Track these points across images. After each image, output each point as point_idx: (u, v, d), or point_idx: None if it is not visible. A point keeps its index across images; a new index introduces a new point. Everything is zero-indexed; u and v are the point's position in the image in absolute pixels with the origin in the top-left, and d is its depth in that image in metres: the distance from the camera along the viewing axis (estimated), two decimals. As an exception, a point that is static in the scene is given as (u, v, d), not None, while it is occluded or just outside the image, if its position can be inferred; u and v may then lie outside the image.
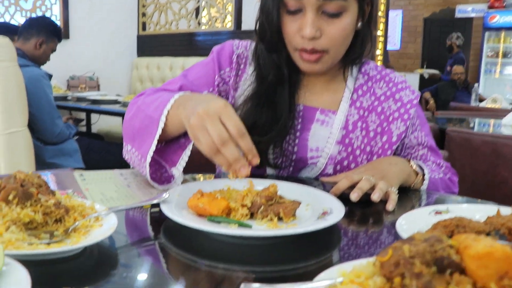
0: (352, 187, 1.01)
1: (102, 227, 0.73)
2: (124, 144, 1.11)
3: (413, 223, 0.77)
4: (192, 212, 0.83)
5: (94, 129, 4.94)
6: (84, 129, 4.73)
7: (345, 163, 1.22)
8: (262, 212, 0.82)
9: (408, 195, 1.13)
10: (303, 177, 1.27)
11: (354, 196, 0.98)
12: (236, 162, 0.80)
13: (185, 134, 1.04)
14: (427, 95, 6.79)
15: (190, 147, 1.01)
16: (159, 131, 0.98)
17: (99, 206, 0.79)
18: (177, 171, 1.01)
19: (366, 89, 1.24)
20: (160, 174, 1.05)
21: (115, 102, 4.24)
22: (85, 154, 3.37)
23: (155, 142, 0.97)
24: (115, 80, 5.58)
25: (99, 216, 0.76)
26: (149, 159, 0.98)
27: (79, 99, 4.34)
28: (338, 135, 1.21)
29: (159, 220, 0.86)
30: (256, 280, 0.61)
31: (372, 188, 1.00)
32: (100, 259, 0.67)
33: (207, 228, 0.71)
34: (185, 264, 0.68)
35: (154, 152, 1.02)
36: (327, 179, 1.12)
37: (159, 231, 0.79)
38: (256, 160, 0.81)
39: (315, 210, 0.86)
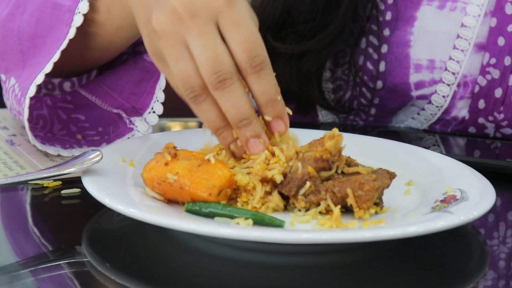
0: None
1: None
2: None
3: None
4: (154, 194, 0.56)
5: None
6: None
7: (498, 93, 0.88)
8: (309, 194, 0.53)
9: None
10: (400, 126, 0.95)
11: None
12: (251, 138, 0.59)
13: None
14: None
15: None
16: (72, 33, 0.69)
17: None
18: (152, 118, 0.76)
19: None
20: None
21: None
22: None
23: (59, 51, 0.70)
24: None
25: None
26: (32, 91, 0.69)
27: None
28: (480, 31, 0.85)
29: (80, 212, 0.65)
30: None
31: None
32: None
33: (188, 228, 0.49)
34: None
35: (83, 88, 0.79)
36: None
37: (80, 236, 0.57)
38: (283, 128, 0.59)
39: (426, 193, 0.60)
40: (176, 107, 0.91)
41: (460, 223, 0.48)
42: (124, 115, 0.76)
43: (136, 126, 0.75)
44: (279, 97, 0.57)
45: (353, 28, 0.83)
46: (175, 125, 0.99)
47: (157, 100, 0.76)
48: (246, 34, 0.56)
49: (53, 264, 0.51)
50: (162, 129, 0.93)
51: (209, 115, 0.57)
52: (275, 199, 0.53)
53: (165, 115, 0.85)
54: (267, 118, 0.56)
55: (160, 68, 0.60)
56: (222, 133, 0.56)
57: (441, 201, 0.55)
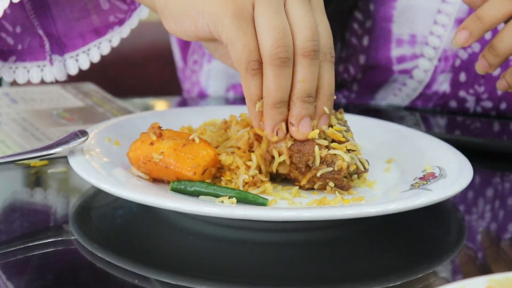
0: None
1: None
2: None
3: None
4: (139, 173, 0.56)
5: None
6: None
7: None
8: (290, 168, 0.54)
9: None
10: (382, 104, 0.96)
11: (456, 39, 0.67)
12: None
13: None
14: None
15: None
16: None
17: None
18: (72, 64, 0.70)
19: None
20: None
21: None
22: None
23: None
24: None
25: None
26: None
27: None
28: (461, 6, 0.83)
29: (66, 191, 0.66)
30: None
31: None
32: None
33: (173, 206, 0.49)
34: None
35: None
36: None
37: (67, 216, 0.59)
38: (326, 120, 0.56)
39: (406, 171, 0.62)
40: (160, 85, 0.93)
41: (438, 200, 0.49)
42: (47, 45, 0.70)
43: (48, 64, 0.69)
44: (334, 97, 0.56)
45: (344, 6, 0.84)
46: (159, 103, 0.98)
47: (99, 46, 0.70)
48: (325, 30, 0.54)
49: (41, 242, 0.51)
50: (146, 108, 0.92)
51: (285, 82, 0.53)
52: (256, 177, 0.53)
53: (149, 93, 0.85)
54: (326, 109, 0.54)
55: (235, 28, 0.53)
56: (281, 108, 0.53)
57: (420, 178, 0.55)
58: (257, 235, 0.51)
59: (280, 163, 0.53)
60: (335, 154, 0.52)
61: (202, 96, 0.98)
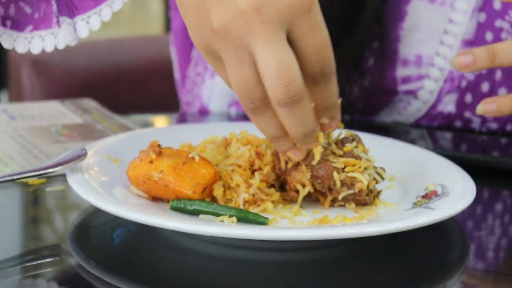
0: None
1: None
2: None
3: None
4: (138, 192, 0.56)
5: None
6: None
7: (485, 87, 0.87)
8: (293, 182, 0.55)
9: None
10: (387, 121, 0.93)
11: (484, 108, 0.66)
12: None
13: None
14: None
15: None
16: None
17: None
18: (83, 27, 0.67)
19: None
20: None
21: None
22: None
23: None
24: None
25: None
26: None
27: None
28: (468, 27, 0.82)
29: (65, 209, 0.65)
30: None
31: None
32: None
33: (173, 226, 0.49)
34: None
35: None
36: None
37: (65, 235, 0.57)
38: (335, 127, 0.58)
39: (408, 188, 0.61)
40: (159, 101, 0.93)
41: (440, 219, 0.49)
42: (54, 6, 0.66)
43: (59, 30, 0.66)
44: (339, 100, 0.54)
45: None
46: (159, 120, 0.98)
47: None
48: (324, 41, 0.51)
49: (39, 262, 0.51)
50: (145, 124, 0.91)
51: (267, 126, 0.53)
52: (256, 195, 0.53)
53: (149, 109, 0.85)
54: (324, 120, 0.54)
55: (213, 66, 0.54)
56: (279, 142, 0.53)
57: (423, 196, 0.55)
58: (258, 255, 0.51)
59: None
60: (353, 177, 0.53)
61: (203, 112, 0.96)
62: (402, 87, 0.86)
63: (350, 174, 0.52)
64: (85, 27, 0.67)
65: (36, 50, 0.67)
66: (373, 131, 0.72)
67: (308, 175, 0.52)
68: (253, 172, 0.54)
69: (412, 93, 0.86)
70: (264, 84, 0.49)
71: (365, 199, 0.53)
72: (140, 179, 0.53)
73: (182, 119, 0.98)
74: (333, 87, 0.52)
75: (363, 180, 0.52)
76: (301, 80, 0.49)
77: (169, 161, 0.53)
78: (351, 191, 0.52)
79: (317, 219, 0.50)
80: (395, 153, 0.67)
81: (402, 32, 0.85)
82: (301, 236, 0.45)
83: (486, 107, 0.65)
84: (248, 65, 0.49)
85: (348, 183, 0.52)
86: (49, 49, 0.66)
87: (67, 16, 0.66)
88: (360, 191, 0.52)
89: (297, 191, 0.53)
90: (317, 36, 0.50)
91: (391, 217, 0.53)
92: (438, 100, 0.85)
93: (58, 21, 0.67)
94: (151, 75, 1.07)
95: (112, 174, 0.57)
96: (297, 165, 0.53)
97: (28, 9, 0.66)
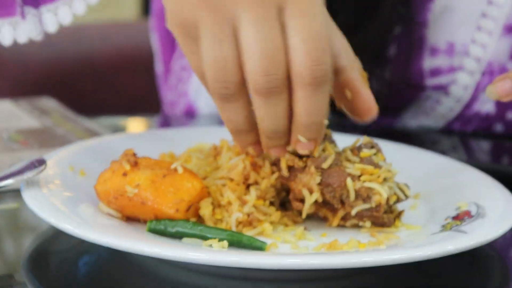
0: None
1: None
2: None
3: None
4: (109, 210, 0.56)
5: None
6: None
7: None
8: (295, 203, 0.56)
9: None
10: (411, 126, 0.92)
11: (497, 88, 0.65)
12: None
13: None
14: None
15: None
16: None
17: None
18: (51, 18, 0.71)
19: None
20: None
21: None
22: None
23: None
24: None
25: None
26: None
27: None
28: (511, 10, 0.84)
29: (19, 232, 0.66)
30: None
31: None
32: None
33: (151, 251, 0.49)
34: None
35: None
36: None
37: (19, 263, 0.57)
38: (311, 150, 0.57)
39: (436, 208, 0.60)
40: (135, 100, 0.92)
41: (475, 245, 0.48)
42: None
43: (21, 17, 0.68)
44: (326, 121, 0.54)
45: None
46: (134, 123, 0.98)
47: None
48: (315, 32, 0.51)
49: None
50: (117, 129, 0.90)
51: (234, 116, 0.53)
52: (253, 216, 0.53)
53: (122, 110, 0.85)
54: (301, 138, 0.53)
55: (183, 46, 0.54)
56: (241, 136, 0.54)
57: (453, 218, 0.55)
58: (253, 286, 0.51)
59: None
60: (370, 188, 0.52)
61: (190, 112, 0.96)
62: (430, 81, 0.86)
63: (366, 184, 0.52)
64: (52, 19, 0.68)
65: None
66: (394, 139, 0.72)
67: (318, 179, 0.51)
68: (248, 187, 0.54)
69: (442, 89, 0.86)
70: (244, 65, 0.49)
71: (383, 217, 0.52)
72: (112, 195, 0.53)
73: (163, 123, 0.98)
74: (321, 101, 0.52)
75: (382, 192, 0.51)
76: (285, 73, 0.50)
77: (146, 173, 0.53)
78: (367, 205, 0.51)
79: (325, 244, 0.50)
80: (420, 166, 0.67)
81: (431, 14, 0.84)
82: (305, 264, 0.45)
83: (498, 87, 0.63)
84: (229, 42, 0.49)
85: (364, 196, 0.51)
86: (7, 42, 0.68)
87: (32, 6, 0.67)
88: (378, 206, 0.51)
89: (302, 201, 0.52)
90: (310, 25, 0.51)
91: (415, 242, 0.52)
92: (474, 98, 0.85)
93: (22, 12, 0.67)
94: (123, 68, 1.07)
95: (77, 189, 0.57)
96: (304, 166, 0.53)
97: None
